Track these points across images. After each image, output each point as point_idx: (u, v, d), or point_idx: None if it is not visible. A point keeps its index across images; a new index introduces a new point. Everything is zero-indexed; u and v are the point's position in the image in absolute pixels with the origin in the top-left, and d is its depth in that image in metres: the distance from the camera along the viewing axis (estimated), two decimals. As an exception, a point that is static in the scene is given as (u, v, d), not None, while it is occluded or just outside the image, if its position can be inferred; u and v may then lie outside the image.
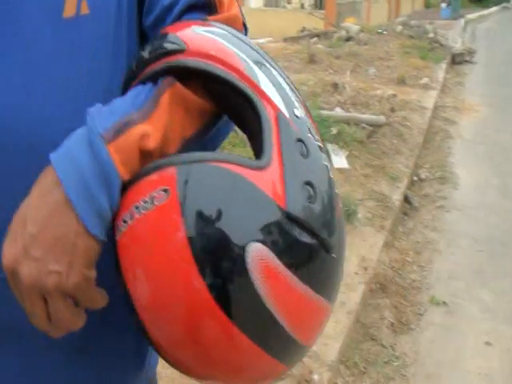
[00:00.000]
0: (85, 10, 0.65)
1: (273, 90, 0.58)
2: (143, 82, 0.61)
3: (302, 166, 0.55)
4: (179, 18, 0.70)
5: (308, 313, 0.55)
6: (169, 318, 0.52)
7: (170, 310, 0.51)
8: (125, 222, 0.51)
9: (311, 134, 0.59)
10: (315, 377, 2.11)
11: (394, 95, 6.34)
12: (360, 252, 3.06)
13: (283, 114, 0.56)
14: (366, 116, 5.22)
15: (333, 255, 0.56)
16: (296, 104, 0.60)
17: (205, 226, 0.49)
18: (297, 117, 0.58)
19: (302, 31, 10.95)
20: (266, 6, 14.71)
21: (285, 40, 9.97)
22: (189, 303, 0.50)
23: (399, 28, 11.18)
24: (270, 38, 10.28)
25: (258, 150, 0.55)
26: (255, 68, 0.58)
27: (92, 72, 0.68)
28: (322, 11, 13.49)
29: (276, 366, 0.55)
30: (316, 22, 12.01)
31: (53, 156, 0.51)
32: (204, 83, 0.60)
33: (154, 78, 0.60)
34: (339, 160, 4.27)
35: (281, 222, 0.51)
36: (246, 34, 0.74)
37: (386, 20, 15.09)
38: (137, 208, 0.50)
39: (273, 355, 0.54)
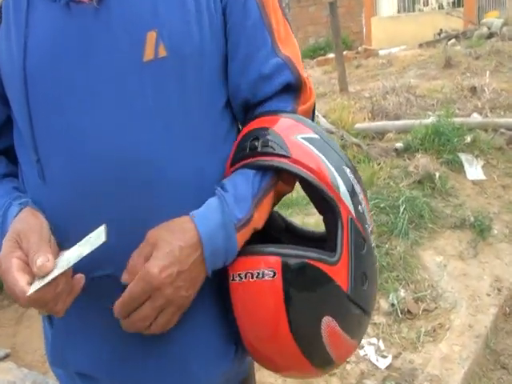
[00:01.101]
0: (163, 53, 0.75)
1: (347, 195, 0.79)
2: (251, 167, 0.80)
3: (360, 259, 0.80)
4: (275, 93, 0.84)
5: (345, 348, 0.85)
6: (259, 338, 0.82)
7: (262, 337, 0.81)
8: (240, 277, 0.78)
9: (367, 223, 0.83)
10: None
11: (541, 94, 5.82)
12: (494, 271, 2.88)
13: (353, 216, 0.80)
14: (505, 120, 4.84)
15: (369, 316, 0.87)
16: (361, 198, 0.83)
17: (296, 301, 0.77)
18: (360, 212, 0.81)
19: (439, 34, 10.46)
20: (399, 11, 14.28)
21: (420, 46, 9.61)
22: (276, 341, 0.80)
23: (549, 17, 10.19)
24: (403, 47, 9.99)
25: (331, 239, 0.80)
26: (337, 176, 0.79)
27: (179, 107, 0.78)
28: (462, 9, 12.77)
29: (313, 371, 0.86)
30: (455, 22, 11.40)
31: (200, 229, 0.74)
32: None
33: (260, 167, 0.80)
34: (474, 171, 4.02)
35: (343, 301, 0.80)
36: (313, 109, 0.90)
37: (537, 9, 13.81)
38: (251, 274, 0.77)
39: (315, 366, 0.84)
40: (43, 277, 0.68)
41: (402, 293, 2.61)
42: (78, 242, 0.77)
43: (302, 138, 0.80)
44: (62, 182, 0.77)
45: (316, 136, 0.81)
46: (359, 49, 10.27)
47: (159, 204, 0.78)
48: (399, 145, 4.06)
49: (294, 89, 0.86)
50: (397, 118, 4.96)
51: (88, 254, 0.69)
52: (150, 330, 0.75)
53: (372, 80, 7.15)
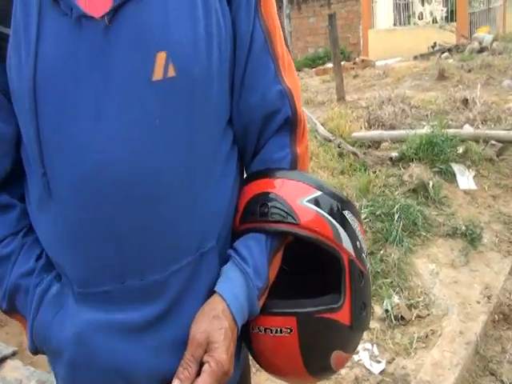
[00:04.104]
0: (172, 73, 0.73)
1: (348, 241, 0.85)
2: (263, 231, 0.82)
3: (359, 292, 0.87)
4: (275, 130, 0.85)
5: (345, 362, 0.94)
6: (275, 368, 0.91)
7: (278, 368, 0.90)
8: (259, 329, 0.84)
9: (364, 252, 0.89)
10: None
11: (530, 107, 5.80)
12: (484, 279, 2.85)
13: (352, 257, 0.85)
14: (496, 132, 4.82)
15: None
16: (358, 231, 0.88)
17: (310, 347, 0.84)
18: (358, 248, 0.86)
19: (433, 47, 10.46)
20: (395, 24, 14.28)
21: (415, 58, 9.60)
22: (290, 372, 0.89)
23: (538, 33, 10.21)
24: (398, 58, 9.98)
25: (335, 281, 0.86)
26: (339, 228, 0.84)
27: (186, 127, 0.76)
28: (455, 23, 12.77)
29: (311, 379, 0.92)
30: (448, 36, 11.41)
31: (233, 309, 0.77)
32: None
33: (269, 232, 0.82)
34: (465, 181, 4.01)
35: (348, 334, 0.88)
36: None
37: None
38: (270, 330, 0.83)
39: (312, 374, 0.90)
40: None
41: (395, 299, 2.58)
42: (79, 257, 0.76)
43: (307, 201, 0.83)
44: (67, 197, 0.75)
45: (318, 193, 0.84)
46: (356, 59, 10.25)
47: (161, 223, 0.76)
48: (394, 154, 4.04)
49: (290, 124, 0.86)
50: (392, 127, 4.94)
51: None
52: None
53: (369, 90, 7.14)
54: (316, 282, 0.90)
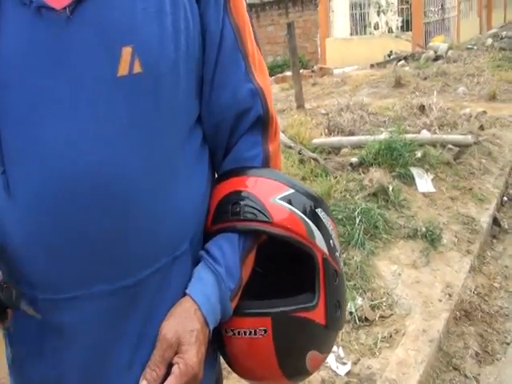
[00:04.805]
0: (138, 69, 0.71)
1: (321, 239, 0.84)
2: (235, 230, 0.81)
3: (334, 291, 0.86)
4: (247, 129, 0.84)
5: (320, 363, 0.93)
6: (249, 371, 0.88)
7: (252, 371, 0.88)
8: (233, 332, 0.82)
9: (337, 250, 0.89)
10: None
11: (484, 112, 6.03)
12: (444, 278, 2.94)
13: (326, 255, 0.85)
14: (452, 136, 4.99)
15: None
16: (331, 230, 0.88)
17: (284, 347, 0.83)
18: (331, 246, 0.86)
19: (389, 55, 10.74)
20: (351, 34, 14.61)
21: (371, 66, 9.84)
22: (265, 373, 0.87)
23: (489, 41, 10.63)
24: (355, 67, 10.20)
25: (309, 280, 0.85)
26: (312, 226, 0.84)
27: (153, 124, 0.74)
28: (410, 33, 13.17)
29: (285, 382, 0.91)
30: (404, 45, 11.75)
31: (204, 310, 0.76)
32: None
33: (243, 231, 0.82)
34: (424, 184, 4.12)
35: (323, 334, 0.88)
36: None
37: (478, 34, 14.40)
38: (244, 332, 0.82)
39: (288, 377, 0.88)
40: None
41: (359, 301, 2.62)
42: (39, 259, 0.73)
43: (280, 199, 0.83)
44: (27, 196, 0.72)
45: (290, 191, 0.84)
46: (314, 68, 10.43)
47: (131, 225, 0.74)
48: (354, 159, 4.12)
49: (262, 122, 0.85)
50: (351, 133, 5.04)
51: None
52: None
53: (327, 97, 7.27)
54: (289, 283, 0.89)
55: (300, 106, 6.43)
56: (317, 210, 0.86)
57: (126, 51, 0.70)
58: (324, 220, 0.86)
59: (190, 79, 0.78)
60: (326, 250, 0.85)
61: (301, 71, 7.82)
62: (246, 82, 0.83)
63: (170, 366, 0.73)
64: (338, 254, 0.89)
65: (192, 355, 0.73)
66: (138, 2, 0.72)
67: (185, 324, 0.74)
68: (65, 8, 0.70)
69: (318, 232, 0.84)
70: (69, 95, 0.70)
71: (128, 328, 0.77)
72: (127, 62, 0.71)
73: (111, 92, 0.71)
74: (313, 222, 0.84)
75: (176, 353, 0.74)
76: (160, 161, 0.75)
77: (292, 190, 0.84)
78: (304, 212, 0.83)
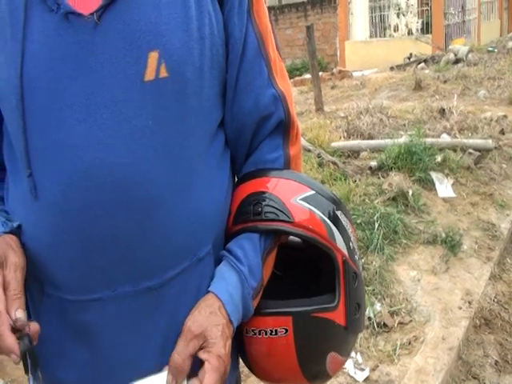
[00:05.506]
0: (164, 74, 0.72)
1: (341, 241, 0.85)
2: (256, 230, 0.82)
3: (353, 293, 0.87)
4: (268, 133, 0.85)
5: (340, 366, 0.92)
6: (270, 371, 0.88)
7: (272, 371, 0.87)
8: (254, 332, 0.83)
9: (356, 253, 0.89)
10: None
11: (505, 116, 5.94)
12: (464, 285, 2.90)
13: (346, 257, 0.85)
14: (473, 141, 4.93)
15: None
16: (350, 232, 0.88)
17: (305, 348, 0.83)
18: (351, 249, 0.87)
19: (409, 58, 10.66)
20: (371, 36, 14.52)
21: (391, 69, 9.77)
22: (285, 373, 0.87)
23: (510, 44, 10.48)
24: (375, 69, 10.14)
25: (327, 282, 0.86)
26: (333, 227, 0.84)
27: (178, 128, 0.75)
28: (430, 35, 13.04)
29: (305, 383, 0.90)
30: (424, 48, 11.64)
31: (224, 298, 0.76)
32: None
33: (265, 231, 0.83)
34: (444, 189, 4.08)
35: (343, 335, 0.88)
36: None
37: (499, 37, 14.22)
38: (265, 331, 0.83)
39: (308, 379, 0.88)
40: None
41: (378, 306, 2.61)
42: (63, 260, 0.74)
43: (301, 200, 0.83)
44: (53, 198, 0.73)
45: (311, 192, 0.85)
46: (334, 70, 10.39)
47: (156, 227, 0.75)
48: (373, 163, 4.09)
49: (283, 127, 0.86)
50: (370, 137, 5.01)
51: None
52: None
53: (346, 100, 7.24)
54: (305, 287, 0.90)
55: (319, 109, 6.41)
56: (337, 213, 0.86)
57: (153, 56, 0.71)
58: (344, 222, 0.87)
59: (213, 84, 0.79)
60: (346, 251, 0.85)
61: (320, 74, 7.80)
62: (268, 88, 0.84)
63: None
64: (356, 257, 0.89)
65: (220, 347, 0.72)
66: (163, 8, 0.73)
67: (210, 318, 0.74)
68: (92, 14, 0.71)
69: (339, 234, 0.85)
70: (95, 99, 0.71)
71: (154, 330, 0.78)
72: (154, 66, 0.72)
73: (138, 96, 0.72)
74: (333, 223, 0.84)
75: (201, 348, 0.72)
76: (184, 164, 0.76)
77: (313, 192, 0.85)
78: (324, 213, 0.84)
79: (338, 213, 0.86)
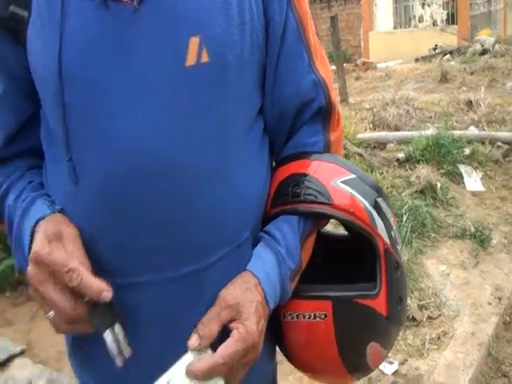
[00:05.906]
0: (205, 59, 0.71)
1: (383, 228, 0.82)
2: (295, 212, 0.80)
3: (396, 284, 0.84)
4: (309, 119, 0.84)
5: (382, 359, 0.90)
6: (309, 360, 0.86)
7: (311, 360, 0.86)
8: (291, 316, 0.81)
9: (398, 243, 0.86)
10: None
11: (534, 109, 5.82)
12: (494, 280, 2.86)
13: (388, 245, 0.82)
14: (501, 133, 4.84)
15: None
16: (391, 221, 0.85)
17: (345, 335, 0.81)
18: (393, 238, 0.84)
19: (434, 49, 10.49)
20: (395, 27, 14.33)
21: (416, 60, 9.63)
22: (325, 362, 0.84)
23: (539, 35, 10.25)
24: (399, 60, 10.01)
25: (372, 267, 0.83)
26: (374, 213, 0.81)
27: (218, 113, 0.74)
28: (455, 26, 12.82)
29: (348, 377, 0.88)
30: (449, 38, 11.44)
31: (260, 277, 0.75)
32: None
33: (303, 213, 0.81)
34: (473, 182, 4.02)
35: (385, 326, 0.85)
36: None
37: (527, 28, 13.91)
38: (303, 315, 0.80)
39: (349, 371, 0.86)
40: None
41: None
42: (106, 246, 0.75)
43: (341, 182, 0.81)
44: (94, 184, 0.73)
45: (352, 176, 0.82)
46: (358, 62, 10.28)
47: (199, 213, 0.75)
48: (401, 155, 4.04)
49: (324, 113, 0.85)
50: (397, 128, 4.95)
51: None
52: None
53: (371, 92, 7.16)
54: (349, 275, 0.87)
55: (344, 101, 6.35)
56: (378, 200, 0.83)
57: (194, 41, 0.70)
58: (385, 210, 0.84)
59: (254, 70, 0.78)
60: (387, 240, 0.82)
61: (344, 65, 7.72)
62: (308, 74, 0.83)
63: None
64: (398, 247, 0.86)
65: (252, 323, 0.71)
66: None
67: (245, 294, 0.73)
68: (132, 0, 0.69)
69: (380, 221, 0.82)
70: (135, 86, 0.70)
71: (197, 313, 0.76)
72: (195, 51, 0.70)
73: (179, 82, 0.71)
74: (375, 210, 0.81)
75: (235, 319, 0.71)
76: (225, 149, 0.76)
77: (354, 175, 0.82)
78: (366, 199, 0.81)
79: (380, 200, 0.83)
